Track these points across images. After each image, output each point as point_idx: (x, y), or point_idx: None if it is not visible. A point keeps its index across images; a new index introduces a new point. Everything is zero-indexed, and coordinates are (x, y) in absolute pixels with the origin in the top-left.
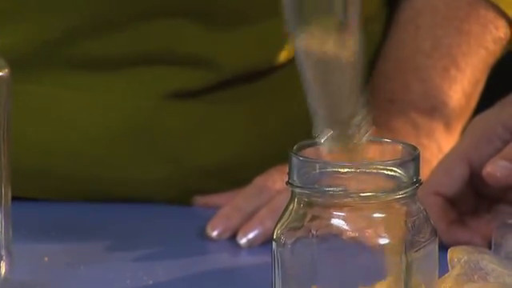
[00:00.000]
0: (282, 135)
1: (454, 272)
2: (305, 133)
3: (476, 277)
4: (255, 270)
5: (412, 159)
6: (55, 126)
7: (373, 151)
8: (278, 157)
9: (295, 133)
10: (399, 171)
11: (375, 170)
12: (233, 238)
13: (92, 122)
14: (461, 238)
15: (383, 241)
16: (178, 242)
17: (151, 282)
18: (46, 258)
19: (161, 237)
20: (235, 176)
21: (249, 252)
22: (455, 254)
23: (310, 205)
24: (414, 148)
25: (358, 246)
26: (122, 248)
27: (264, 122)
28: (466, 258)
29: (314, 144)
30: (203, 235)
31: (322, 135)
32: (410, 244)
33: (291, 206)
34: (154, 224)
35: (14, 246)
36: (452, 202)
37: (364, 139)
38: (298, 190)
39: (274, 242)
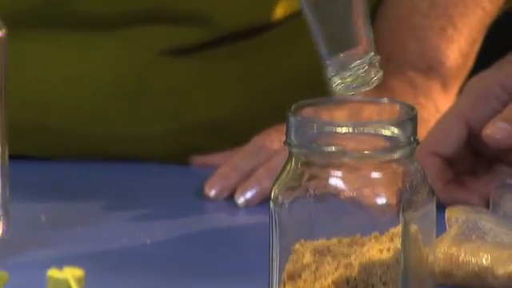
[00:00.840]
0: (279, 92)
1: (451, 231)
2: (302, 89)
3: (474, 236)
4: (253, 229)
5: (409, 119)
6: (51, 83)
7: (370, 111)
8: (275, 114)
9: (292, 90)
10: (396, 131)
11: (373, 130)
12: (230, 197)
13: (88, 78)
14: (459, 197)
15: (380, 200)
16: (175, 202)
17: (148, 242)
18: (43, 218)
19: (158, 196)
20: (232, 133)
21: (246, 211)
22: (453, 214)
23: (307, 164)
24: (412, 108)
25: (356, 206)
26: (119, 207)
27: (260, 78)
28: (463, 217)
29: (311, 104)
30: (201, 194)
31: (334, 77)
32: (407, 204)
33: (289, 166)
34: (151, 183)
35: (11, 205)
36: (450, 162)
37: (376, 78)
38: (295, 150)
39: (271, 202)
